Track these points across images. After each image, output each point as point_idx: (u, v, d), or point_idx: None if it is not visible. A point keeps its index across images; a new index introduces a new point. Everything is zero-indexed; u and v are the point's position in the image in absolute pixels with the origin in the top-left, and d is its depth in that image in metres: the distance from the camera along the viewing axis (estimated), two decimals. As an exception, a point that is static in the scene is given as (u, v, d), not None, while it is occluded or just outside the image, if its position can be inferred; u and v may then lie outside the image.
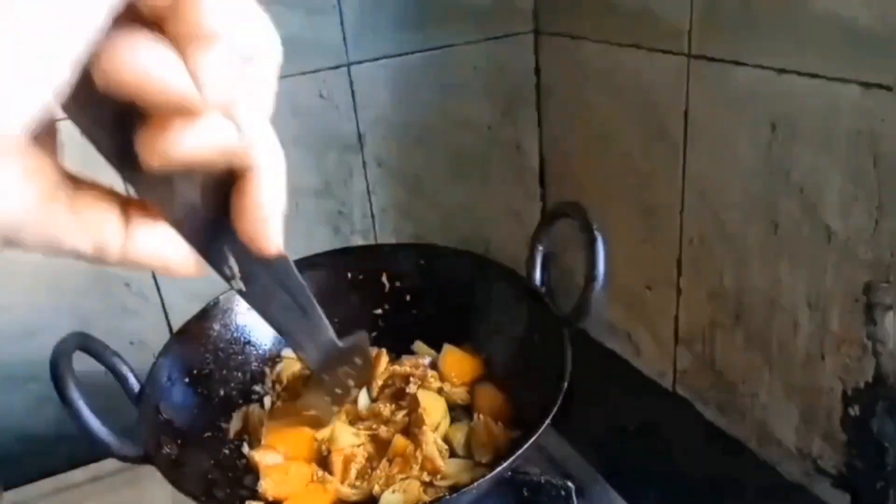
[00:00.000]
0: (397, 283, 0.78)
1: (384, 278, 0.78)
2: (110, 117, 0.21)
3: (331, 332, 0.35)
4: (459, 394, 0.69)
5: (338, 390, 0.42)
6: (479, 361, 0.73)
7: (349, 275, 0.77)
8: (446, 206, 0.97)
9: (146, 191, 0.24)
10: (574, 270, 0.99)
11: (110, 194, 0.23)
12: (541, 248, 0.71)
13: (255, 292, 0.29)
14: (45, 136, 0.21)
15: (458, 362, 0.72)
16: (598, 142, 0.87)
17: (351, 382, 0.41)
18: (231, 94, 0.21)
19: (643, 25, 0.74)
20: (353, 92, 0.86)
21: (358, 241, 0.93)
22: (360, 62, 0.85)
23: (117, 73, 0.19)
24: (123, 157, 0.22)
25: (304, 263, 0.77)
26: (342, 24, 0.82)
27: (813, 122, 0.59)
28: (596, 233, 0.62)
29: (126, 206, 0.24)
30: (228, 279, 0.27)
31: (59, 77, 0.17)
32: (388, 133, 0.90)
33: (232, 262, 0.27)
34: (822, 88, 0.57)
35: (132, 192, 0.24)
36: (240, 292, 0.28)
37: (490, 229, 1.01)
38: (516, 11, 0.91)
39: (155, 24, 0.20)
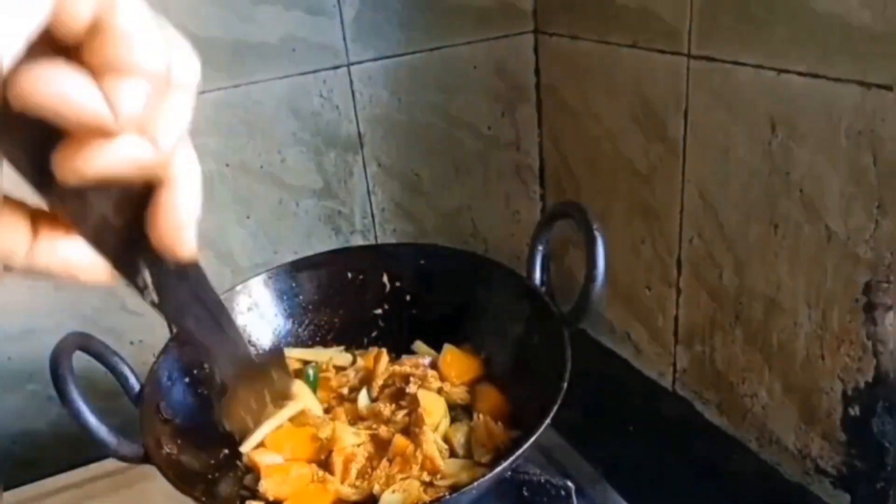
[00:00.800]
0: (397, 283, 0.78)
1: (384, 278, 0.78)
2: (26, 137, 0.22)
3: (246, 348, 0.35)
4: (459, 394, 0.69)
5: (253, 404, 0.42)
6: (479, 361, 0.72)
7: (349, 275, 0.77)
8: (446, 206, 0.97)
9: (59, 204, 0.24)
10: (574, 270, 0.99)
11: (19, 205, 0.24)
12: (541, 248, 0.71)
13: (170, 304, 0.29)
14: None
15: (458, 362, 0.72)
16: (598, 142, 0.87)
17: (267, 398, 0.41)
18: (144, 116, 0.22)
19: (643, 25, 0.74)
20: (353, 92, 0.86)
21: (358, 241, 0.93)
22: (360, 62, 0.85)
23: (34, 96, 0.20)
24: (39, 174, 0.23)
25: (304, 263, 0.77)
26: (342, 24, 0.83)
27: (813, 122, 0.59)
28: (596, 233, 0.62)
29: (36, 217, 0.24)
30: (141, 290, 0.28)
31: None
32: (388, 133, 0.90)
33: (146, 273, 0.27)
34: (822, 88, 0.57)
35: (44, 204, 0.24)
36: (152, 304, 0.28)
37: (490, 229, 1.01)
38: (516, 11, 0.91)
39: (71, 53, 0.21)
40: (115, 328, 0.84)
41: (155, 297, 0.28)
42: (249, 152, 0.83)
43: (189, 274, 0.28)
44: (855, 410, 0.62)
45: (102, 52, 0.21)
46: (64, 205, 0.24)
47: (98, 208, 0.25)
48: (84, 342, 0.61)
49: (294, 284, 0.76)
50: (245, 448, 0.65)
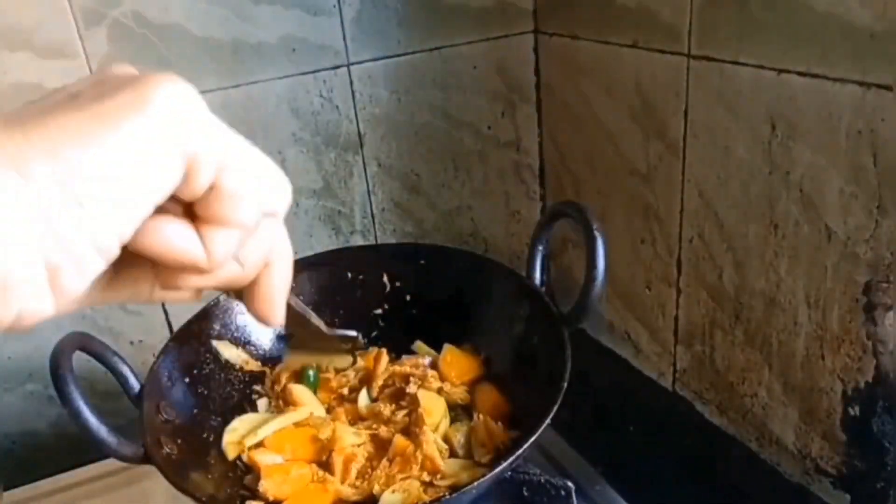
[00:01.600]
0: (397, 283, 0.78)
1: (384, 278, 0.78)
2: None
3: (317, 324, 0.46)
4: (459, 394, 0.69)
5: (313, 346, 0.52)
6: (479, 361, 0.73)
7: (349, 275, 0.77)
8: (446, 205, 0.97)
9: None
10: (574, 270, 0.99)
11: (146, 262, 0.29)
12: (541, 248, 0.71)
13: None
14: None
15: (458, 362, 0.72)
16: (598, 142, 0.87)
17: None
18: (231, 255, 0.28)
19: (643, 25, 0.74)
20: (353, 92, 0.86)
21: (358, 241, 0.93)
22: (360, 62, 0.85)
23: (148, 245, 0.26)
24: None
25: (304, 263, 0.77)
26: (342, 24, 0.83)
27: (813, 122, 0.59)
28: (596, 233, 0.62)
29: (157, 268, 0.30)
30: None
31: (113, 251, 0.24)
32: (388, 133, 0.90)
33: None
34: (822, 88, 0.57)
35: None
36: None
37: (490, 229, 1.01)
38: (516, 11, 0.91)
39: (185, 204, 0.27)
40: (115, 328, 0.84)
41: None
42: (249, 152, 0.83)
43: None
44: (855, 410, 0.62)
45: (210, 209, 0.26)
46: None
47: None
48: (84, 342, 0.61)
49: (294, 284, 0.76)
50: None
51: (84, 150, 0.22)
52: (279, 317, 0.32)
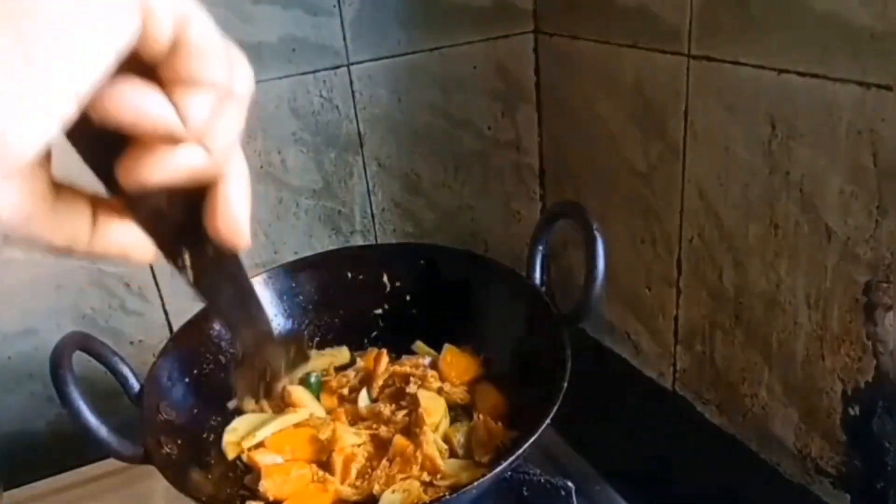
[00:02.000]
0: (397, 283, 0.78)
1: (384, 278, 0.78)
2: (99, 143, 0.25)
3: (268, 326, 0.39)
4: (459, 394, 0.69)
5: (267, 375, 0.46)
6: (479, 361, 0.73)
7: (349, 275, 0.77)
8: (446, 206, 0.97)
9: (120, 198, 0.26)
10: (574, 270, 0.99)
11: (83, 195, 0.26)
12: (541, 248, 0.71)
13: (204, 284, 0.31)
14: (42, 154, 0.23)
15: (458, 362, 0.72)
16: (598, 142, 0.87)
17: (282, 369, 0.45)
18: (207, 127, 0.25)
19: (643, 25, 0.74)
20: (353, 92, 0.86)
21: (358, 241, 0.93)
22: (360, 62, 0.85)
23: (116, 113, 0.23)
24: (107, 174, 0.25)
25: (304, 263, 0.77)
26: (342, 24, 0.83)
27: (813, 122, 0.59)
28: (596, 233, 0.62)
29: (96, 204, 0.26)
30: (180, 269, 0.30)
31: (68, 112, 0.21)
32: (388, 133, 0.90)
33: (186, 256, 0.30)
34: (821, 88, 0.57)
35: (105, 195, 0.27)
36: (188, 282, 0.30)
37: (490, 229, 1.01)
38: (516, 11, 0.91)
39: (149, 69, 0.24)
40: (115, 328, 0.84)
41: (191, 277, 0.30)
42: (249, 152, 0.83)
43: (225, 259, 0.31)
44: (855, 410, 0.62)
45: (176, 68, 0.24)
46: (125, 199, 0.26)
47: (155, 202, 0.27)
48: (84, 342, 0.61)
49: (294, 284, 0.76)
50: (234, 423, 0.67)
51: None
52: (242, 236, 0.29)
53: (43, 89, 0.20)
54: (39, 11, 0.19)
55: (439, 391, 0.69)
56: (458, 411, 0.69)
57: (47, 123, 0.20)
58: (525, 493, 0.63)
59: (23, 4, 0.19)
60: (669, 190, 0.77)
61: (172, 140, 0.24)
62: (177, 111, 0.24)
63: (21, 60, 0.19)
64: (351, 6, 0.82)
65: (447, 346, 0.73)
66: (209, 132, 0.25)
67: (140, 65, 0.23)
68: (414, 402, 0.66)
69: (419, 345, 0.77)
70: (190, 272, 0.30)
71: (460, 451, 0.64)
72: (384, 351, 0.73)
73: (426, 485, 0.60)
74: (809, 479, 0.68)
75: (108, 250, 0.27)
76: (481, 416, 0.66)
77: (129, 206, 0.27)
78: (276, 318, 0.76)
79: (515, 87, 0.95)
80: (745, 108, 0.65)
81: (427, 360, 0.73)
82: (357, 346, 0.78)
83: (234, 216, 0.28)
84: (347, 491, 0.61)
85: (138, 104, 0.23)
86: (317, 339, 0.78)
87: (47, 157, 0.24)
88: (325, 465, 0.63)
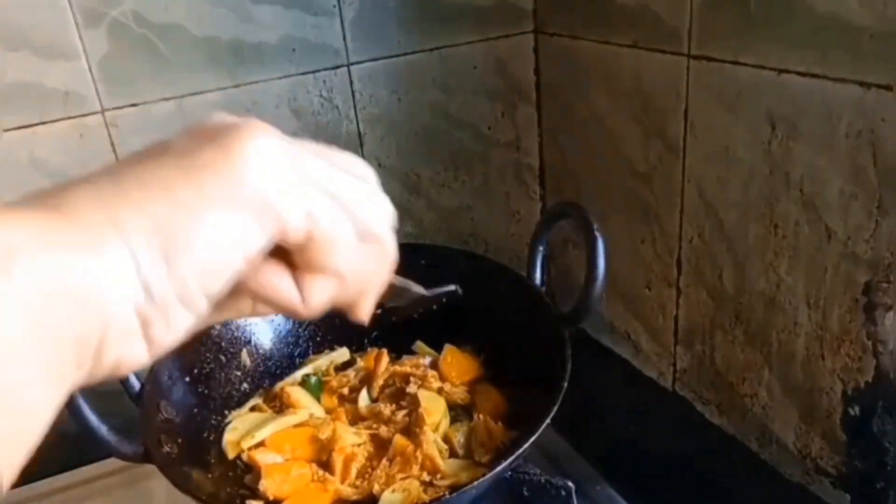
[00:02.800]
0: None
1: (384, 278, 0.78)
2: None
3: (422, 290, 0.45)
4: (459, 394, 0.69)
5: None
6: (479, 362, 0.73)
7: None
8: (446, 205, 0.97)
9: None
10: (574, 270, 0.99)
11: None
12: (541, 248, 0.71)
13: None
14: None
15: (458, 362, 0.72)
16: (598, 142, 0.87)
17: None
18: (324, 305, 0.31)
19: (643, 25, 0.74)
20: (353, 92, 0.86)
21: (358, 241, 0.93)
22: (360, 62, 0.85)
23: (257, 288, 0.29)
24: None
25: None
26: (342, 24, 0.83)
27: (813, 122, 0.59)
28: (596, 233, 0.62)
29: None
30: None
31: (202, 308, 0.25)
32: (388, 133, 0.90)
33: None
34: (822, 88, 0.57)
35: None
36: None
37: (490, 229, 1.01)
38: (516, 11, 0.91)
39: (287, 252, 0.28)
40: (115, 328, 0.84)
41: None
42: (249, 152, 0.83)
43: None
44: (855, 410, 0.62)
45: (305, 257, 0.28)
46: None
47: None
48: (84, 342, 0.60)
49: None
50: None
51: (172, 207, 0.24)
52: (366, 316, 0.34)
53: (178, 292, 0.24)
54: (181, 230, 0.24)
55: (439, 391, 0.69)
56: (459, 411, 0.69)
57: (184, 317, 0.25)
58: (525, 493, 0.63)
59: (170, 227, 0.24)
60: (669, 190, 0.77)
61: (294, 314, 0.30)
62: (300, 291, 0.29)
63: (163, 273, 0.24)
64: (351, 6, 0.82)
65: (447, 347, 0.73)
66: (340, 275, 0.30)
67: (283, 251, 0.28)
68: (414, 401, 0.66)
69: (419, 345, 0.77)
70: None
71: (460, 452, 0.64)
72: (384, 351, 0.73)
73: (426, 484, 0.60)
74: (809, 479, 0.68)
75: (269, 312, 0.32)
76: (481, 416, 0.66)
77: None
78: (277, 317, 0.76)
79: (515, 87, 0.95)
80: (745, 108, 0.65)
81: (427, 360, 0.73)
82: (357, 346, 0.78)
83: (364, 308, 0.33)
84: (347, 491, 0.61)
85: (265, 287, 0.29)
86: (317, 338, 0.78)
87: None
88: (325, 465, 0.63)
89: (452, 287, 0.56)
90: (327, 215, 0.28)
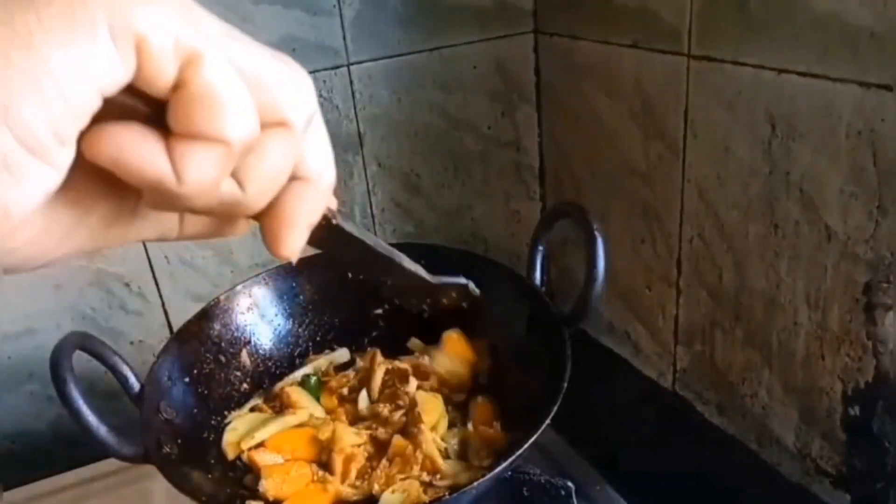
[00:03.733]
0: (397, 283, 0.78)
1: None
2: None
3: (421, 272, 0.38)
4: (460, 374, 0.70)
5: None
6: (479, 360, 0.72)
7: (349, 275, 0.77)
8: (446, 205, 0.97)
9: None
10: (574, 270, 0.99)
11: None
12: (541, 248, 0.71)
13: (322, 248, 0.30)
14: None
15: (460, 346, 0.72)
16: (598, 142, 0.87)
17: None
18: (212, 192, 0.22)
19: (643, 25, 0.74)
20: (353, 92, 0.86)
21: (358, 241, 0.93)
22: (360, 62, 0.85)
23: (97, 154, 0.21)
24: None
25: (305, 263, 0.77)
26: (342, 24, 0.82)
27: (813, 122, 0.59)
28: (596, 233, 0.62)
29: None
30: None
31: (51, 149, 0.20)
32: (388, 133, 0.90)
33: None
34: (822, 88, 0.57)
35: None
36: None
37: (490, 229, 1.01)
38: (516, 11, 0.91)
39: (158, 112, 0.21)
40: (115, 328, 0.84)
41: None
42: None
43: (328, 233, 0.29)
44: (855, 410, 0.62)
45: (178, 116, 0.21)
46: None
47: None
48: (84, 342, 0.61)
49: (294, 284, 0.76)
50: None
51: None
52: (291, 248, 0.26)
53: (16, 126, 0.19)
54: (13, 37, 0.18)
55: (440, 383, 0.69)
56: (455, 415, 0.69)
57: (30, 162, 0.19)
58: (525, 493, 0.63)
59: None
60: (669, 190, 0.77)
61: (167, 193, 0.21)
62: (172, 165, 0.21)
63: None
64: (351, 6, 0.82)
65: (445, 338, 0.73)
66: (239, 172, 0.22)
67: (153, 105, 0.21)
68: (411, 401, 0.66)
69: (413, 341, 0.77)
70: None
71: (458, 455, 0.65)
72: (377, 351, 0.73)
73: (426, 485, 0.60)
74: (809, 479, 0.68)
75: (198, 235, 0.26)
76: (479, 428, 0.66)
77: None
78: (277, 317, 0.76)
79: (515, 87, 0.95)
80: (745, 108, 0.65)
81: (426, 360, 0.73)
82: (357, 346, 0.78)
83: (279, 230, 0.25)
84: (347, 491, 0.61)
85: (122, 147, 0.20)
86: (317, 338, 0.78)
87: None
88: (325, 466, 0.63)
89: (463, 281, 0.50)
90: (213, 56, 0.21)
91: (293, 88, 0.24)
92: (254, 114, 0.22)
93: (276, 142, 0.23)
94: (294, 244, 0.25)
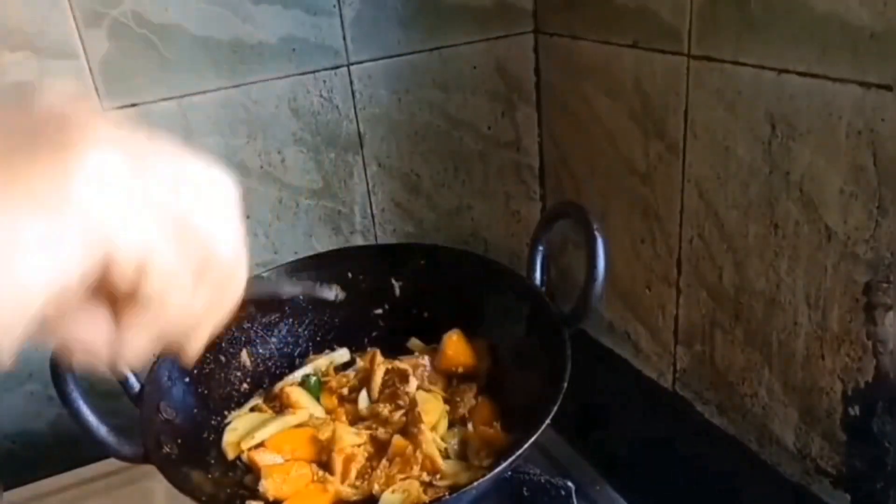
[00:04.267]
0: (397, 283, 0.78)
1: (384, 278, 0.78)
2: None
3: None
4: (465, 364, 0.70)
5: None
6: (479, 357, 0.72)
7: (349, 275, 0.77)
8: (446, 205, 0.97)
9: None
10: (574, 270, 0.99)
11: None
12: (541, 248, 0.71)
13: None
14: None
15: (458, 354, 0.72)
16: (597, 142, 0.87)
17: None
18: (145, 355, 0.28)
19: (643, 25, 0.74)
20: (353, 92, 0.86)
21: (358, 241, 0.93)
22: (360, 62, 0.85)
23: (63, 331, 0.26)
24: None
25: (304, 263, 0.77)
26: (342, 24, 0.82)
27: (813, 122, 0.59)
28: (596, 233, 0.62)
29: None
30: None
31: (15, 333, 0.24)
32: (388, 133, 0.90)
33: None
34: (821, 88, 0.57)
35: None
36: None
37: (490, 229, 1.01)
38: (516, 11, 0.91)
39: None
40: (115, 328, 0.84)
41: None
42: (249, 152, 0.83)
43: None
44: (855, 410, 0.62)
45: (130, 309, 0.25)
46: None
47: None
48: (84, 342, 0.60)
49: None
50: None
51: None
52: (193, 358, 0.32)
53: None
54: None
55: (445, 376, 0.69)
56: (455, 415, 0.69)
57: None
58: (525, 493, 0.63)
59: None
60: (669, 190, 0.77)
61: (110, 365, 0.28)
62: (118, 339, 0.26)
63: None
64: (351, 6, 0.82)
65: (446, 339, 0.73)
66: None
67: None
68: (411, 401, 0.66)
69: (413, 341, 0.77)
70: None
71: (458, 455, 0.65)
72: (377, 351, 0.73)
73: (426, 485, 0.60)
74: (809, 479, 0.68)
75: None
76: (479, 428, 0.65)
77: None
78: (277, 317, 0.76)
79: (515, 87, 0.95)
80: (745, 108, 0.65)
81: (426, 360, 0.73)
82: (357, 346, 0.78)
83: (191, 349, 0.31)
84: (347, 491, 0.61)
85: (86, 330, 0.26)
86: (317, 338, 0.78)
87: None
88: (325, 466, 0.63)
89: (332, 295, 0.64)
90: (166, 248, 0.24)
91: (232, 228, 0.29)
92: (196, 283, 0.27)
93: (215, 288, 0.29)
94: (199, 349, 0.32)
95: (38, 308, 0.23)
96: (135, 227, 0.24)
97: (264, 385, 0.74)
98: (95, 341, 0.26)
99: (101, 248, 0.23)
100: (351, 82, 0.86)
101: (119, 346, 0.26)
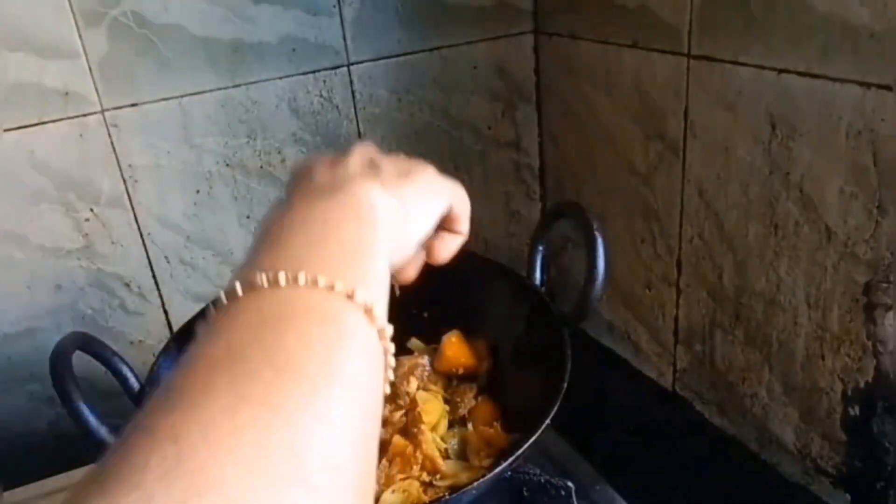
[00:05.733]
0: (397, 283, 0.78)
1: (384, 278, 0.78)
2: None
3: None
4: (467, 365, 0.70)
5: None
6: (479, 357, 0.72)
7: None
8: (446, 205, 0.97)
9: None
10: (574, 270, 0.99)
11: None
12: (541, 248, 0.71)
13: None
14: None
15: (457, 356, 0.72)
16: (598, 142, 0.87)
17: None
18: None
19: (643, 25, 0.74)
20: (353, 92, 0.86)
21: (358, 240, 0.93)
22: (360, 62, 0.85)
23: (438, 255, 0.49)
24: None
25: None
26: (342, 24, 0.83)
27: (813, 122, 0.59)
28: (596, 233, 0.62)
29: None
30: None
31: (419, 244, 0.44)
32: (388, 133, 0.90)
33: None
34: (821, 88, 0.57)
35: None
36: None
37: (490, 229, 1.01)
38: (516, 11, 0.91)
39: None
40: (115, 328, 0.84)
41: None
42: (249, 152, 0.83)
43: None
44: (855, 410, 0.62)
45: (453, 227, 0.48)
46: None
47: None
48: (84, 342, 0.61)
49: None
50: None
51: (416, 201, 0.42)
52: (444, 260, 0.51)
53: (412, 235, 0.42)
54: (416, 209, 0.42)
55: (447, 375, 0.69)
56: (455, 415, 0.69)
57: (411, 249, 0.44)
58: (525, 493, 0.63)
59: (415, 207, 0.42)
60: (669, 190, 0.77)
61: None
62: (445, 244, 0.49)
63: (406, 224, 0.41)
64: (351, 6, 0.82)
65: (445, 340, 0.73)
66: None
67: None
68: (411, 401, 0.66)
69: (413, 341, 0.76)
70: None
71: (458, 455, 0.64)
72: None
73: (426, 485, 0.60)
74: (809, 479, 0.68)
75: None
76: (479, 428, 0.65)
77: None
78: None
79: (515, 87, 0.95)
80: (745, 108, 0.65)
81: (426, 360, 0.73)
82: (357, 346, 0.78)
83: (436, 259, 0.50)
84: (347, 491, 0.61)
85: (435, 243, 0.48)
86: (317, 339, 0.78)
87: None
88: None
89: None
90: (459, 204, 0.47)
91: (467, 203, 0.48)
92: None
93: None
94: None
95: (421, 239, 0.43)
96: (452, 195, 0.46)
97: (264, 385, 0.74)
98: (443, 248, 0.48)
99: (442, 211, 0.45)
100: (351, 82, 0.86)
101: (445, 249, 0.49)
